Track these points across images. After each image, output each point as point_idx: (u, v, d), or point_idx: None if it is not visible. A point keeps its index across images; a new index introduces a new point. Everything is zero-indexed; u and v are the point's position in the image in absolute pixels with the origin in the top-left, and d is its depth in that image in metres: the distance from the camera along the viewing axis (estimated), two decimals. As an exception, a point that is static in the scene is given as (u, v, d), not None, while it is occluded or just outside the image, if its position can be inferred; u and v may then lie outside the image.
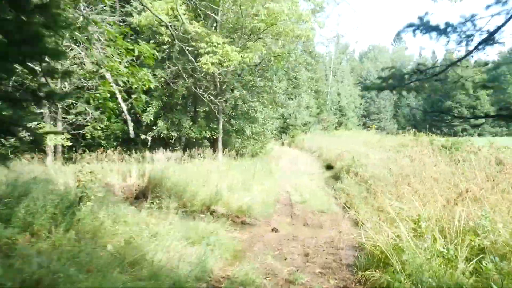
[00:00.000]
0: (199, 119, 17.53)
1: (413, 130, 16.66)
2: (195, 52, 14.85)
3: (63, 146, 18.03)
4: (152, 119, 16.39)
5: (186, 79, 16.59)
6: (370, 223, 7.34)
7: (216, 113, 17.00)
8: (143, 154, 15.74)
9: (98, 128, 18.59)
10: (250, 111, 16.68)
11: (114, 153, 15.96)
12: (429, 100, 57.37)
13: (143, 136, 16.72)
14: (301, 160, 21.45)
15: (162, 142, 17.86)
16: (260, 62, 17.72)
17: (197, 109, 17.57)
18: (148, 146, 16.66)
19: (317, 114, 37.93)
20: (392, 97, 61.18)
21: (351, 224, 9.61)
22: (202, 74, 17.45)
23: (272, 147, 22.47)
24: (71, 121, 18.06)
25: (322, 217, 10.34)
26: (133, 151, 16.22)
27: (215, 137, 17.12)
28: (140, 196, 13.15)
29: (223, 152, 17.17)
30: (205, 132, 17.13)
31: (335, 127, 39.42)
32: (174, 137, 17.10)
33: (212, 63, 13.94)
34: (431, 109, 53.23)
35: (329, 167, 18.78)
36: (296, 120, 33.28)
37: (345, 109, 44.41)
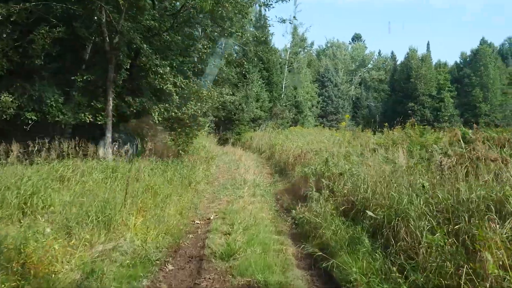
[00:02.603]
0: (75, 94, 10.71)
1: (410, 120, 10.78)
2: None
3: None
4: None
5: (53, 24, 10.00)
6: None
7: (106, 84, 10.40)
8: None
9: None
10: (159, 83, 10.14)
11: None
12: (390, 101, 53.36)
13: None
14: (245, 163, 15.14)
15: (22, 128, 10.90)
16: (181, 10, 11.26)
17: (73, 78, 10.69)
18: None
19: (269, 109, 31.85)
20: (351, 97, 56.78)
21: None
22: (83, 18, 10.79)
23: (205, 144, 16.02)
24: None
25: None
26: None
27: (100, 122, 10.42)
28: None
29: (116, 147, 10.52)
30: (84, 115, 10.39)
31: (289, 125, 33.48)
32: (31, 121, 10.24)
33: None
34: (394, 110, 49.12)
35: (283, 173, 12.64)
36: (243, 113, 27.00)
37: (302, 105, 38.68)
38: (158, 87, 10.13)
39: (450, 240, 3.81)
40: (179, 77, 10.80)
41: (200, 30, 12.11)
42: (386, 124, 12.91)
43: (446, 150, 6.64)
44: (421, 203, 4.47)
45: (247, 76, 28.54)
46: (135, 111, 10.52)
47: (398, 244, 4.32)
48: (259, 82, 30.39)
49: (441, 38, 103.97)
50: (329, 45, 66.73)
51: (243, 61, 12.76)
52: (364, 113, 55.13)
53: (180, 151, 13.20)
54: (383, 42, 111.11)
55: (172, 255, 5.59)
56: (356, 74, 59.91)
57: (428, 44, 54.83)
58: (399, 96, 50.25)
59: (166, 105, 10.47)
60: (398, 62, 60.62)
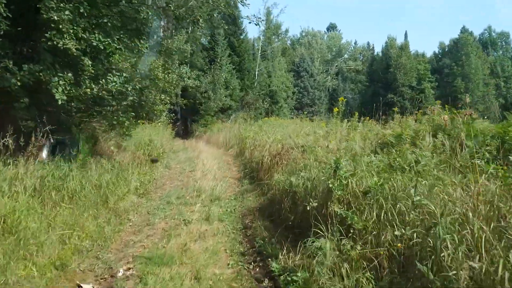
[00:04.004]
0: None
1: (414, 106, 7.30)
2: None
3: None
4: None
5: None
6: None
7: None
8: None
9: None
10: (53, 37, 6.21)
11: None
12: (369, 93, 50.58)
13: None
14: (205, 162, 11.44)
15: None
16: None
17: None
18: None
19: (241, 98, 28.09)
20: (327, 88, 53.72)
21: None
22: None
23: (152, 138, 12.18)
24: None
25: None
26: None
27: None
28: None
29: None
30: None
31: (263, 116, 29.87)
32: None
33: None
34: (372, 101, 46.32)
35: (256, 179, 8.97)
36: (210, 101, 23.16)
37: (276, 95, 35.12)
38: (49, 43, 6.23)
39: None
40: (96, 35, 6.96)
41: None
42: (396, 109, 9.55)
43: None
44: None
45: (215, 60, 24.82)
46: (18, 81, 6.56)
47: None
48: (228, 68, 26.60)
49: (417, 30, 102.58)
50: (304, 34, 63.28)
51: (198, 18, 9.00)
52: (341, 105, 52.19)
53: (112, 148, 9.39)
54: (358, 33, 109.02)
55: None
56: (332, 64, 56.85)
57: (406, 33, 52.10)
58: (377, 87, 47.49)
59: (70, 75, 6.55)
60: (375, 53, 58.05)
